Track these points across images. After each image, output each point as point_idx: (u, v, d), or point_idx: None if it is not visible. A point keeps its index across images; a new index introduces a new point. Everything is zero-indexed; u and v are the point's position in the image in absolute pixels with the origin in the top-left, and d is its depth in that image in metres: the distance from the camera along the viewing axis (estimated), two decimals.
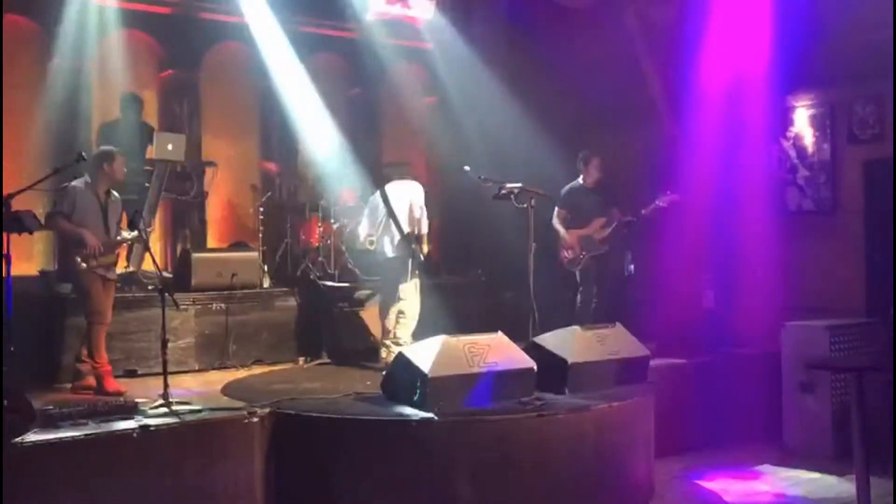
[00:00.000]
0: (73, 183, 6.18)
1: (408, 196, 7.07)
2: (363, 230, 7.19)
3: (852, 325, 6.93)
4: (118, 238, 6.19)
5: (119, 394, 5.88)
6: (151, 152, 7.85)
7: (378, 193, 7.14)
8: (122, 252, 6.90)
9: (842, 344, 6.77)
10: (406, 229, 6.95)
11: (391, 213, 6.96)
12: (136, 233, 6.03)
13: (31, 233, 6.06)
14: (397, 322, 7.02)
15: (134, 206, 6.96)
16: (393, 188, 7.09)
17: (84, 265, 5.96)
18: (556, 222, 7.65)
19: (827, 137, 7.72)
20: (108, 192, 6.27)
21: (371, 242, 7.17)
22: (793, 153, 7.93)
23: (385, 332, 7.17)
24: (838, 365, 6.27)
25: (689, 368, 7.01)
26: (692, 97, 7.57)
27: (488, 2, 9.57)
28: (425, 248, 7.11)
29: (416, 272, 7.05)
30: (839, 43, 7.20)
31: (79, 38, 8.38)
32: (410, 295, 7.03)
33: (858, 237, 7.49)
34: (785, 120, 7.93)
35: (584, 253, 7.54)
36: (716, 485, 6.04)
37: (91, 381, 6.09)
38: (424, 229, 7.07)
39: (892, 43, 6.50)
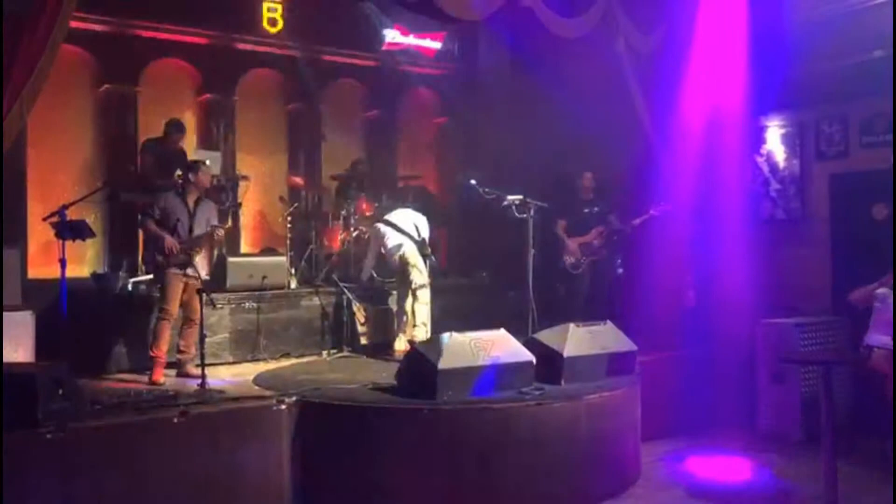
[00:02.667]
0: (166, 192, 6.33)
1: (409, 217, 7.45)
2: (368, 265, 7.58)
3: (819, 323, 6.90)
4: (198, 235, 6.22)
5: (156, 384, 5.86)
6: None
7: (382, 226, 7.40)
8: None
9: (810, 339, 6.74)
10: (417, 239, 7.26)
11: (403, 231, 7.28)
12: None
13: (84, 239, 6.09)
14: (419, 308, 7.12)
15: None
16: (395, 216, 7.46)
17: (162, 263, 6.02)
18: (560, 232, 7.73)
19: (796, 154, 7.68)
20: (197, 199, 6.32)
21: (372, 277, 7.80)
22: (765, 168, 7.89)
23: (401, 324, 7.24)
24: (808, 359, 6.25)
25: (672, 361, 6.97)
26: (675, 117, 7.54)
27: (492, 32, 9.57)
28: (429, 249, 7.36)
29: (428, 266, 7.31)
30: (807, 69, 7.17)
31: (127, 66, 8.43)
32: (427, 285, 7.23)
33: (825, 243, 7.45)
34: (758, 139, 7.90)
35: (584, 258, 7.58)
36: (696, 465, 6.02)
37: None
38: (425, 233, 7.35)
39: (893, 58, 6.45)
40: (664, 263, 7.41)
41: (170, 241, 6.05)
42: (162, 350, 6.07)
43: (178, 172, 7.50)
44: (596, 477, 5.35)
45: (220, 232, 6.40)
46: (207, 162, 6.54)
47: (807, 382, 6.64)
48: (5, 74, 4.85)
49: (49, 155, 8.14)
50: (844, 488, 4.89)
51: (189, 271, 6.14)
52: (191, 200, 6.29)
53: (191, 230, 6.20)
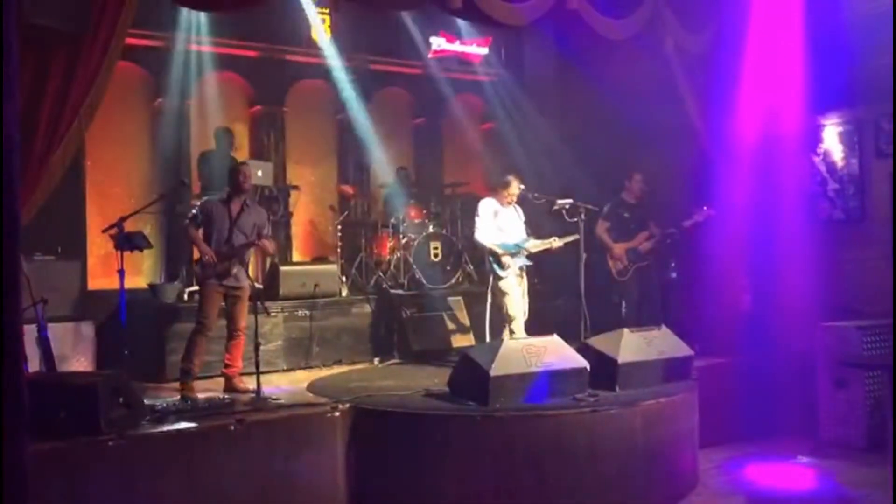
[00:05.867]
0: (210, 197, 6.25)
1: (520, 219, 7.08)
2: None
3: (882, 326, 6.64)
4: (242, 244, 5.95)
5: (187, 397, 5.70)
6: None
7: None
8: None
9: (873, 343, 6.50)
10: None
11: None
12: None
13: (141, 250, 6.21)
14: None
15: None
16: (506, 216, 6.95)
17: (201, 274, 5.91)
18: (602, 234, 7.56)
19: (855, 152, 7.45)
20: (242, 206, 6.04)
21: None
22: (823, 168, 7.68)
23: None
24: (873, 362, 6.05)
25: (729, 367, 6.82)
26: (729, 118, 7.38)
27: (537, 37, 9.51)
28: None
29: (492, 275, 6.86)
30: (864, 65, 6.97)
31: (179, 81, 8.59)
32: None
33: (886, 244, 7.18)
34: (815, 138, 7.70)
35: (630, 264, 7.45)
36: (756, 473, 5.87)
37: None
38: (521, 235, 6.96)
39: (893, 59, 6.29)
40: (719, 266, 7.27)
41: (207, 251, 5.88)
42: (194, 363, 5.88)
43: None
44: (653, 485, 5.26)
45: (268, 245, 6.11)
46: (240, 162, 6.36)
47: (871, 387, 6.42)
48: (65, 92, 4.98)
49: (106, 169, 8.34)
50: None
51: (228, 282, 5.93)
52: (235, 207, 6.03)
53: (229, 239, 5.96)
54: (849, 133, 7.51)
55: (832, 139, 7.62)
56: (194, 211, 6.21)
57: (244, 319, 6.08)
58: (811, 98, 7.33)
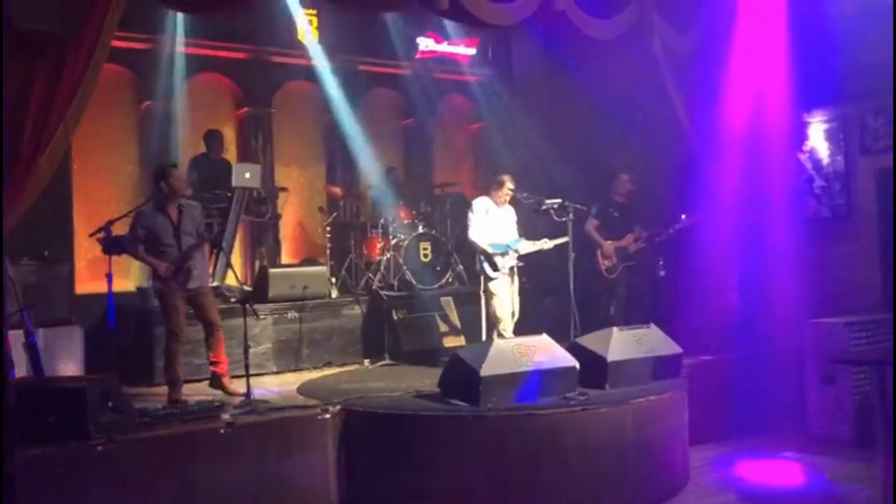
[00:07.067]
0: (143, 207, 6.01)
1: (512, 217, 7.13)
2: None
3: (869, 322, 6.69)
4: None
5: (178, 402, 5.60)
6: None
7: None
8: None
9: (860, 339, 6.55)
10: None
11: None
12: None
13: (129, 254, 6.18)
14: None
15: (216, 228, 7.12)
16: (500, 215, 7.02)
17: (161, 287, 5.77)
18: (592, 232, 7.60)
19: (840, 149, 7.50)
20: (179, 208, 5.88)
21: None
22: (809, 165, 7.73)
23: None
24: (860, 359, 6.09)
25: (718, 364, 6.84)
26: (716, 116, 7.42)
27: (525, 37, 9.54)
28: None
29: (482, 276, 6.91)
30: (849, 62, 7.03)
31: (167, 83, 8.56)
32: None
33: (872, 240, 7.26)
34: (801, 135, 7.74)
35: (619, 263, 7.49)
36: (746, 470, 5.89)
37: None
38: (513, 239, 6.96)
39: (893, 57, 6.35)
40: (707, 264, 7.31)
41: (162, 267, 5.69)
42: (178, 371, 5.81)
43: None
44: (644, 483, 5.28)
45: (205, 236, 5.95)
46: (168, 166, 6.09)
47: (859, 383, 6.47)
48: (51, 95, 4.95)
49: (93, 172, 8.31)
50: None
51: (192, 285, 5.83)
52: (172, 212, 5.85)
53: (179, 246, 5.80)
54: (834, 130, 7.55)
55: (818, 137, 7.66)
56: (136, 229, 5.83)
57: (216, 313, 6.03)
58: (797, 96, 7.38)
